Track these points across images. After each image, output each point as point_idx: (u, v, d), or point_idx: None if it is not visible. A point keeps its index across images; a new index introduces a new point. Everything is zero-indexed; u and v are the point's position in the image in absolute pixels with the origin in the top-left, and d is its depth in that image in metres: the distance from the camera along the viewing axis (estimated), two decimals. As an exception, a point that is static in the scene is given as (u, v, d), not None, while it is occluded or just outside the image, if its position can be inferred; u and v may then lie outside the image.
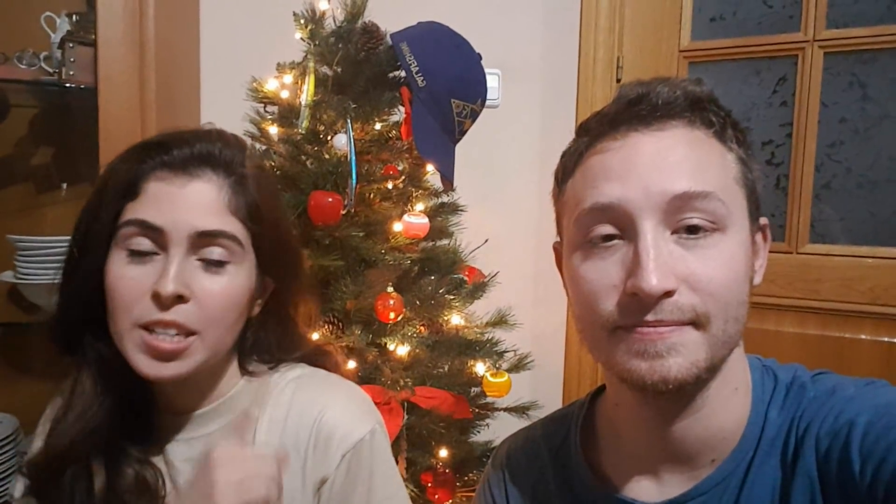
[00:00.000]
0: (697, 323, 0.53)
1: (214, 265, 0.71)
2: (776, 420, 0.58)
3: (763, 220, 0.61)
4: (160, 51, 1.53)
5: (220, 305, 0.71)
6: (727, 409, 0.59)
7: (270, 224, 0.75)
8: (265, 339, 0.82)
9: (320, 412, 0.76)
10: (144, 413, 0.77)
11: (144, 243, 0.69)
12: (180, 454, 0.77)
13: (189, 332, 0.69)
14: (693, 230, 0.54)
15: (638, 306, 0.54)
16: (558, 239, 0.67)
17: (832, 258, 1.59)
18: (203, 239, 0.69)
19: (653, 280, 0.52)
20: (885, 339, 1.56)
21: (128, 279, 0.68)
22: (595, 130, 0.60)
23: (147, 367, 0.69)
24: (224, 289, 0.71)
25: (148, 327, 0.68)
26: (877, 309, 1.56)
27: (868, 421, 0.52)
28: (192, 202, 0.69)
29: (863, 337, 1.58)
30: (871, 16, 1.54)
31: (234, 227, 0.71)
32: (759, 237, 0.60)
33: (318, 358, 0.86)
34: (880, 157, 1.57)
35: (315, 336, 1.23)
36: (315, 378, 0.82)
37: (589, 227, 0.57)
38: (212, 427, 0.78)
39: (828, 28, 1.58)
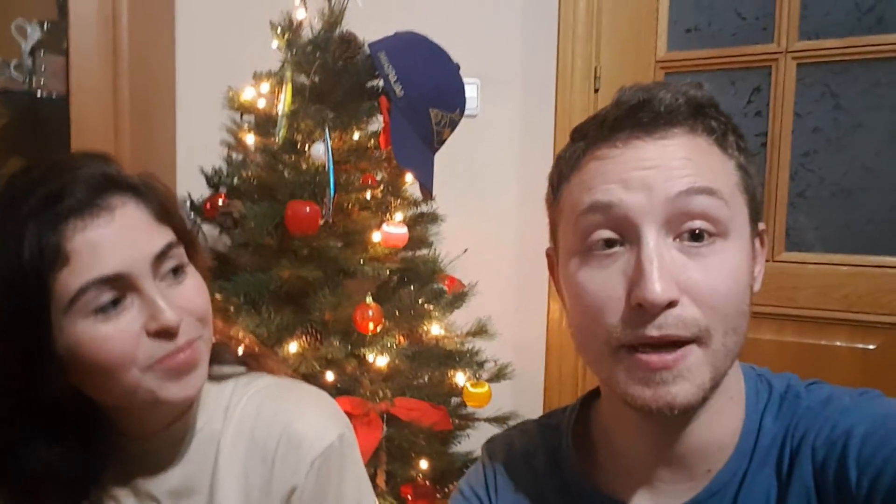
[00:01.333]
0: (700, 339, 0.52)
1: (176, 274, 0.69)
2: (771, 429, 0.58)
3: (761, 226, 0.60)
4: (134, 59, 1.51)
5: (200, 305, 0.70)
6: (723, 418, 0.58)
7: (181, 217, 0.74)
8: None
9: (288, 421, 0.74)
10: (103, 445, 0.73)
11: (107, 296, 0.63)
12: (159, 488, 0.74)
13: (193, 341, 0.68)
14: (696, 237, 0.53)
15: (641, 319, 0.52)
16: (551, 245, 0.65)
17: (808, 266, 1.61)
18: (158, 260, 0.67)
19: (657, 288, 0.50)
20: (860, 345, 1.58)
21: (115, 335, 0.63)
22: (594, 135, 0.58)
23: (175, 391, 0.67)
24: (194, 286, 0.70)
25: (161, 361, 0.66)
26: (852, 316, 1.58)
27: (865, 432, 0.51)
28: (129, 234, 0.65)
29: (838, 344, 1.60)
30: (843, 27, 1.57)
31: (169, 233, 0.70)
32: (757, 243, 0.59)
33: (255, 361, 0.84)
34: (853, 166, 1.59)
35: (294, 347, 1.22)
36: (281, 387, 0.80)
37: (588, 231, 0.55)
38: (185, 443, 0.75)
39: (800, 39, 1.61)
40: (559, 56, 1.72)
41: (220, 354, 0.80)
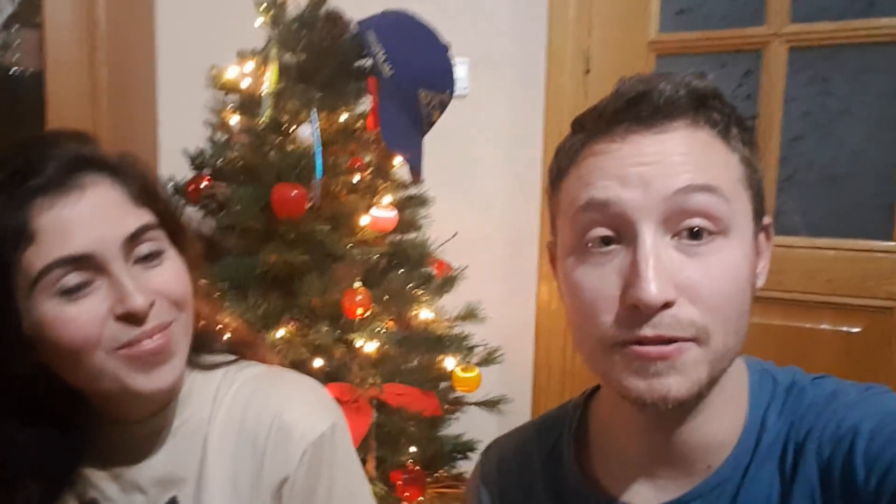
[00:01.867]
0: (698, 339, 0.51)
1: (153, 258, 0.66)
2: (775, 425, 0.57)
3: (766, 220, 0.58)
4: (113, 35, 1.46)
5: (176, 289, 0.67)
6: (724, 414, 0.57)
7: (166, 200, 0.71)
8: (198, 326, 0.77)
9: (279, 411, 0.72)
10: (83, 430, 0.71)
11: (73, 278, 0.61)
12: (144, 476, 0.72)
13: (165, 326, 0.66)
14: (694, 235, 0.52)
15: (636, 319, 0.51)
16: (552, 237, 0.64)
17: (795, 249, 1.62)
18: (131, 243, 0.65)
19: (652, 289, 0.49)
20: (844, 328, 1.60)
21: (79, 317, 0.62)
22: (592, 128, 0.56)
23: (144, 383, 0.65)
24: (172, 270, 0.68)
25: (128, 346, 0.64)
26: (836, 299, 1.59)
27: (872, 428, 0.51)
28: (99, 214, 0.63)
29: (823, 327, 1.62)
30: (835, 10, 1.56)
31: (148, 216, 0.67)
32: (762, 237, 0.58)
33: (243, 348, 0.82)
34: (841, 151, 1.59)
35: (281, 333, 1.20)
36: (272, 376, 0.79)
37: (585, 229, 0.54)
38: (171, 431, 0.73)
39: (792, 22, 1.60)
40: (550, 37, 1.70)
41: (208, 343, 0.78)
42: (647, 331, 0.51)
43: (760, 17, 1.62)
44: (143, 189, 0.68)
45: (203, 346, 0.77)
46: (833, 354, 1.60)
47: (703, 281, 0.51)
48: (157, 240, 0.67)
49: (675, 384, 0.51)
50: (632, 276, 0.51)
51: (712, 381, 0.53)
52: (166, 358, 0.66)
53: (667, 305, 0.50)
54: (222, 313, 0.94)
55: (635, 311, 0.51)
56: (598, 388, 0.69)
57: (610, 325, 0.52)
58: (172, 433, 0.73)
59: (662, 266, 0.50)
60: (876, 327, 1.57)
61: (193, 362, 0.76)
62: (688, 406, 0.55)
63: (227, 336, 0.84)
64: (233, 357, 0.80)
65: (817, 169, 1.62)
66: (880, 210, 1.57)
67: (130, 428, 0.72)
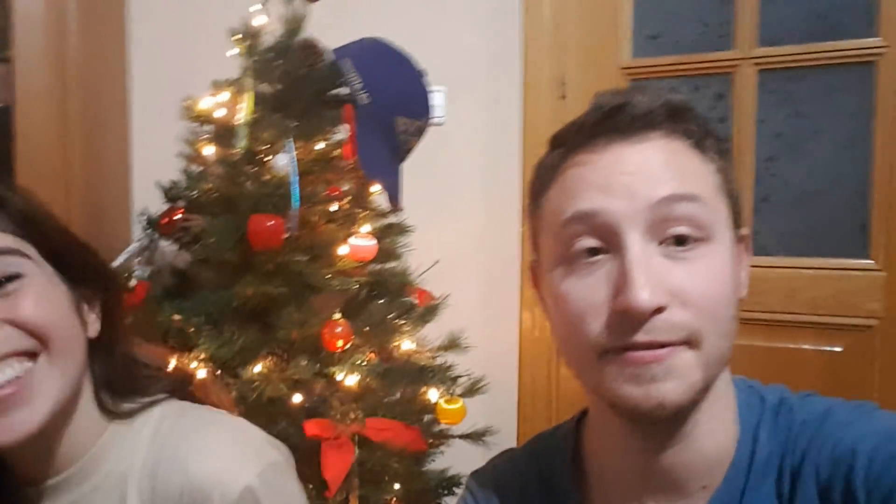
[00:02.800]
0: (691, 342, 0.51)
1: (7, 281, 0.62)
2: (767, 444, 0.56)
3: (744, 231, 0.59)
4: (84, 67, 1.44)
5: (32, 316, 0.61)
6: (716, 432, 0.57)
7: (51, 227, 0.67)
8: (116, 369, 0.71)
9: (190, 470, 0.63)
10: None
11: None
12: None
13: (26, 354, 0.60)
14: (680, 241, 0.52)
15: (628, 325, 0.51)
16: (533, 257, 0.63)
17: (775, 270, 1.63)
18: None
19: (643, 295, 0.49)
20: (826, 348, 1.60)
21: None
22: (571, 142, 0.57)
23: None
24: (34, 300, 0.62)
25: None
26: (818, 319, 1.60)
27: (872, 449, 0.50)
28: None
29: (806, 347, 1.62)
30: (800, 33, 1.60)
31: (5, 240, 0.63)
32: (741, 247, 0.59)
33: (181, 388, 0.76)
34: (814, 170, 1.62)
35: (259, 368, 1.16)
36: (183, 418, 0.70)
37: (570, 240, 0.54)
38: (91, 489, 0.66)
39: (760, 46, 1.63)
40: (525, 64, 1.72)
41: (135, 387, 0.72)
42: (641, 336, 0.50)
43: (729, 42, 1.66)
44: (17, 215, 0.64)
45: (124, 391, 0.70)
46: (816, 374, 1.59)
47: (692, 284, 0.51)
48: (14, 265, 0.62)
49: (671, 389, 0.50)
50: (622, 284, 0.51)
51: (706, 388, 0.53)
52: (19, 403, 0.59)
53: (659, 311, 0.50)
54: (189, 353, 0.89)
55: (626, 318, 0.51)
56: (585, 413, 0.67)
57: (600, 333, 0.52)
58: (92, 492, 0.66)
59: (652, 272, 0.51)
60: (857, 346, 1.57)
61: (109, 410, 0.69)
62: (682, 416, 0.54)
63: (165, 377, 0.77)
64: (152, 399, 0.72)
65: (792, 189, 1.64)
66: (855, 228, 1.59)
67: (47, 490, 0.66)
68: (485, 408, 1.59)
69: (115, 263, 1.33)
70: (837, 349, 1.59)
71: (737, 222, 0.57)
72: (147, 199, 1.43)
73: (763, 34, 1.62)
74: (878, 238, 1.55)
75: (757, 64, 1.63)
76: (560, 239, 0.55)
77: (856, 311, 1.57)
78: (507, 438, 1.68)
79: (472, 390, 1.36)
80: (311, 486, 1.14)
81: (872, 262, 1.56)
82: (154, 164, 1.50)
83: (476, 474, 0.72)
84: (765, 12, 1.62)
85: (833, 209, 1.61)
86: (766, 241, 1.66)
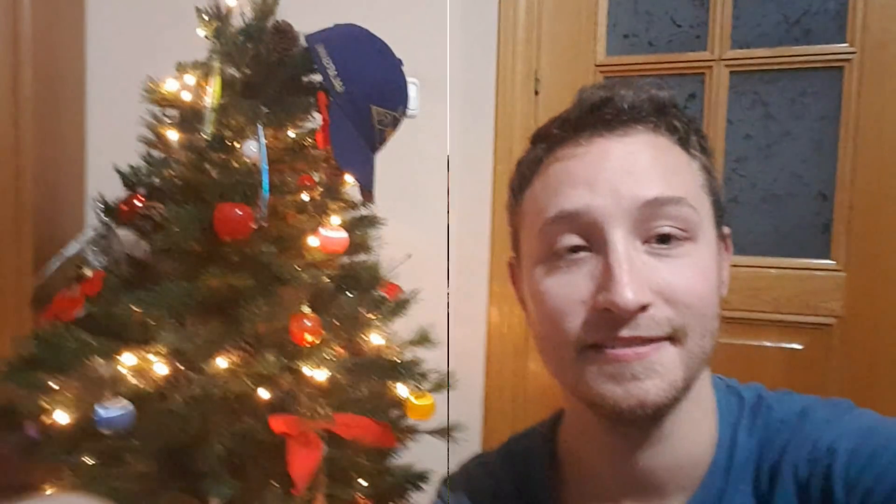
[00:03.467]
0: (674, 338, 0.51)
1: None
2: (746, 444, 0.56)
3: (726, 230, 0.59)
4: (38, 43, 1.36)
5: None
6: (696, 433, 0.56)
7: None
8: None
9: None
10: None
11: None
12: None
13: None
14: (664, 239, 0.52)
15: (610, 323, 0.50)
16: (513, 254, 0.62)
17: (740, 269, 1.65)
18: None
19: (628, 294, 0.48)
20: (787, 345, 1.64)
21: None
22: (555, 137, 0.56)
23: None
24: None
25: None
26: (780, 317, 1.63)
27: (850, 448, 0.50)
28: None
29: (767, 344, 1.65)
30: (773, 37, 1.62)
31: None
32: (722, 247, 0.58)
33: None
34: (782, 172, 1.65)
35: (223, 363, 1.12)
36: None
37: (553, 238, 0.53)
38: None
39: (732, 48, 1.65)
40: (499, 59, 1.70)
41: None
42: (625, 332, 0.50)
43: (703, 43, 1.67)
44: None
45: None
46: (777, 371, 1.63)
47: (676, 282, 0.51)
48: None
49: (652, 388, 0.50)
50: (606, 281, 0.50)
51: (686, 387, 0.52)
52: None
53: (643, 309, 0.50)
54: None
55: (608, 316, 0.50)
56: (560, 415, 0.66)
57: (580, 329, 0.51)
58: None
59: (637, 270, 0.50)
60: (817, 344, 1.61)
61: None
62: (662, 415, 0.53)
63: None
64: None
65: (760, 190, 1.67)
66: (818, 229, 1.62)
67: None
68: (452, 403, 1.58)
69: (68, 251, 1.27)
70: (798, 347, 1.62)
71: (719, 220, 0.57)
72: (104, 185, 1.36)
73: (736, 37, 1.64)
74: (839, 239, 1.59)
75: (729, 66, 1.65)
76: (542, 237, 0.54)
77: (816, 310, 1.61)
78: (471, 435, 1.67)
79: (441, 386, 1.34)
80: (277, 485, 1.10)
81: (833, 262, 1.60)
82: (111, 148, 1.43)
83: (447, 480, 0.70)
84: (738, 15, 1.64)
85: (798, 211, 1.64)
86: (734, 240, 1.68)
